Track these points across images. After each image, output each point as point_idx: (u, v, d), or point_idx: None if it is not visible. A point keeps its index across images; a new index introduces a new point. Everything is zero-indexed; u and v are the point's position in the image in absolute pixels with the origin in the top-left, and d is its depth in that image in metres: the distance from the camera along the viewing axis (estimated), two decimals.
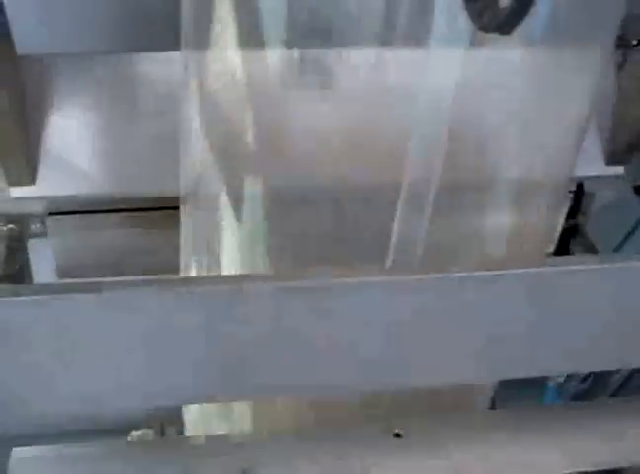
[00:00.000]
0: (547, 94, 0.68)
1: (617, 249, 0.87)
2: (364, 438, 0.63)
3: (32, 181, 0.67)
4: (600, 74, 0.69)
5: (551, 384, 0.90)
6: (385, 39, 0.59)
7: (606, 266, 0.55)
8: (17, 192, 0.69)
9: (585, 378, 0.97)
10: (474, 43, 0.60)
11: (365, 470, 0.60)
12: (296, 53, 0.61)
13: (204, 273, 0.67)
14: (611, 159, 0.91)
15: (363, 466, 0.60)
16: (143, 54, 0.74)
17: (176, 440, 0.81)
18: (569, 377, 0.92)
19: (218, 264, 0.68)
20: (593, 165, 0.88)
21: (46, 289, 0.49)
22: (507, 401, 0.77)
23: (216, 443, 0.64)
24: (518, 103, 0.65)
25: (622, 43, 0.80)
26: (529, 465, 0.62)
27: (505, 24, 0.46)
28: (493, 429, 0.66)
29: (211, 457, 0.60)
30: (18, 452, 0.60)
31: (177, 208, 0.66)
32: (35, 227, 0.81)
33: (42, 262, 0.87)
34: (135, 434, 0.99)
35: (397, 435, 0.64)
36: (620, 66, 0.85)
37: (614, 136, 0.89)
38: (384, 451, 0.62)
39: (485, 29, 0.47)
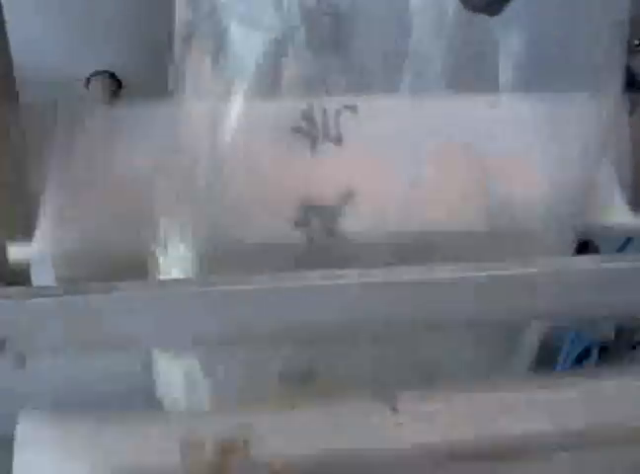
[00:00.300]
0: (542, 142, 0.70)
1: None
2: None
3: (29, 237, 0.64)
4: (612, 122, 0.69)
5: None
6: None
7: None
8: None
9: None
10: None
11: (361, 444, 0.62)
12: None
13: None
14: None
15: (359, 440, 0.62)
16: None
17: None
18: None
19: None
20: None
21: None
22: None
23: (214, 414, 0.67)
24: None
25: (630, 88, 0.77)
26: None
27: (494, 2, 0.49)
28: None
29: (213, 419, 0.63)
30: (25, 415, 0.60)
31: None
32: None
33: None
34: None
35: (394, 410, 0.64)
36: (631, 112, 0.82)
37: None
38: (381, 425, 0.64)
39: (474, 9, 0.49)
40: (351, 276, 0.55)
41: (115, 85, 0.86)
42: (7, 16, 0.64)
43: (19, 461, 0.57)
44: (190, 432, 0.60)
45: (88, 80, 0.85)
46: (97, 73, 0.85)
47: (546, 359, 0.96)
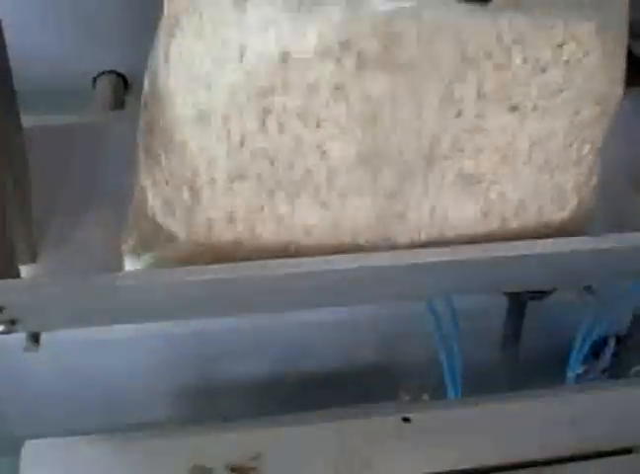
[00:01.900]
0: None
1: None
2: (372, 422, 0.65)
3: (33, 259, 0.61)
4: None
5: (570, 375, 0.92)
6: None
7: None
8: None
9: (605, 370, 0.98)
10: None
11: (372, 454, 0.63)
12: None
13: None
14: None
15: (370, 450, 0.63)
16: None
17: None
18: (588, 369, 0.93)
19: None
20: None
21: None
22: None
23: (225, 429, 0.66)
24: None
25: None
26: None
27: None
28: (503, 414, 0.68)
29: (221, 442, 0.63)
30: (30, 444, 0.62)
31: None
32: None
33: None
34: None
35: (405, 420, 0.66)
36: None
37: None
38: (392, 436, 0.65)
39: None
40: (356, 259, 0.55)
41: (121, 84, 0.86)
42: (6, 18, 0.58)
43: None
44: (198, 456, 0.62)
45: (94, 80, 0.86)
46: (103, 73, 0.85)
47: (560, 349, 0.95)
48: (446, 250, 0.55)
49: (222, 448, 0.62)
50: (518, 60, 0.50)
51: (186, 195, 0.53)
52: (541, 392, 0.71)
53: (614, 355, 1.00)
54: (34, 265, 0.62)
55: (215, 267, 0.53)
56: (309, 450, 0.62)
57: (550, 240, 0.56)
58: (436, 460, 0.63)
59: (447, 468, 0.62)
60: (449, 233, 0.56)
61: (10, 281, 0.53)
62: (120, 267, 0.55)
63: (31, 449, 0.62)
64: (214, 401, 0.94)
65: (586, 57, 0.51)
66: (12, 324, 0.53)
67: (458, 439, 0.64)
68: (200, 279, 0.53)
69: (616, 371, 0.99)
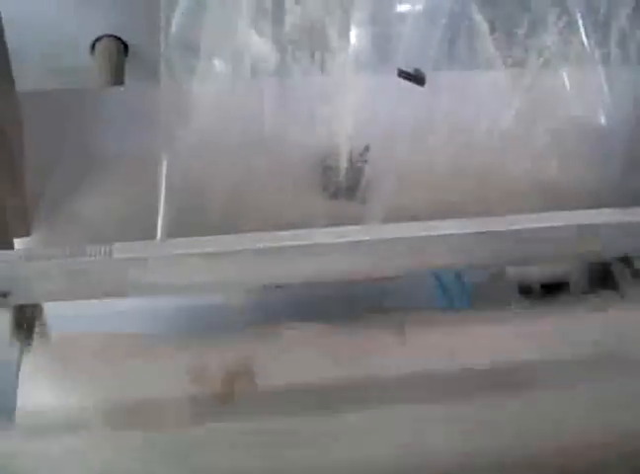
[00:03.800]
0: None
1: None
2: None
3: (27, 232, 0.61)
4: None
5: None
6: None
7: None
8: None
9: None
10: None
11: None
12: None
13: None
14: None
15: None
16: None
17: None
18: None
19: None
20: None
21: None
22: None
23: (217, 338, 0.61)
24: None
25: None
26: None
27: None
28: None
29: (219, 348, 0.59)
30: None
31: None
32: None
33: None
34: None
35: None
36: None
37: None
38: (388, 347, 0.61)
39: None
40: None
41: (121, 49, 0.83)
42: None
43: (22, 390, 0.54)
44: (196, 359, 0.57)
45: (93, 45, 0.83)
46: (103, 37, 0.83)
47: None
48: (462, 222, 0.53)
49: (220, 353, 0.58)
50: None
51: None
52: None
53: None
54: (28, 238, 0.61)
55: (213, 238, 0.51)
56: (299, 351, 0.59)
57: (570, 212, 0.54)
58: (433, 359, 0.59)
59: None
60: None
61: (2, 253, 0.52)
62: (114, 238, 0.53)
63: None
64: None
65: None
66: (3, 296, 0.51)
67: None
68: (197, 252, 0.50)
69: None
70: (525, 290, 0.74)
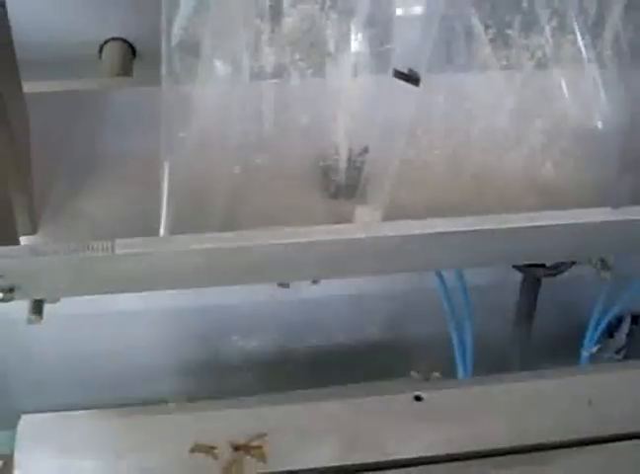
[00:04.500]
0: None
1: None
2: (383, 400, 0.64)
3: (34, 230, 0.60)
4: None
5: (585, 354, 0.90)
6: None
7: None
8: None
9: (619, 349, 0.96)
10: None
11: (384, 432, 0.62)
12: None
13: None
14: None
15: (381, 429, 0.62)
16: None
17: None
18: (603, 348, 0.91)
19: None
20: None
21: None
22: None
23: (227, 407, 0.64)
24: None
25: None
26: None
27: None
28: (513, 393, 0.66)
29: (222, 422, 0.61)
30: (26, 418, 0.61)
31: None
32: None
33: None
34: None
35: (417, 399, 0.65)
36: None
37: None
38: (404, 414, 0.63)
39: None
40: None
41: (129, 52, 0.85)
42: None
43: (20, 462, 0.58)
44: (201, 433, 0.60)
45: (101, 48, 0.84)
46: (110, 40, 0.84)
47: (574, 327, 0.93)
48: (460, 220, 0.53)
49: (226, 426, 0.60)
50: None
51: None
52: (555, 372, 0.69)
53: (629, 334, 0.98)
54: (34, 236, 0.60)
55: (216, 235, 0.51)
56: (316, 429, 0.61)
57: (566, 211, 0.55)
58: (448, 442, 0.61)
59: (460, 450, 0.61)
60: None
61: (8, 248, 0.52)
62: (119, 234, 0.54)
63: (27, 423, 0.61)
64: (220, 377, 0.93)
65: None
66: (10, 291, 0.52)
67: (470, 420, 0.63)
68: (200, 248, 0.51)
69: (630, 351, 0.98)
70: None
